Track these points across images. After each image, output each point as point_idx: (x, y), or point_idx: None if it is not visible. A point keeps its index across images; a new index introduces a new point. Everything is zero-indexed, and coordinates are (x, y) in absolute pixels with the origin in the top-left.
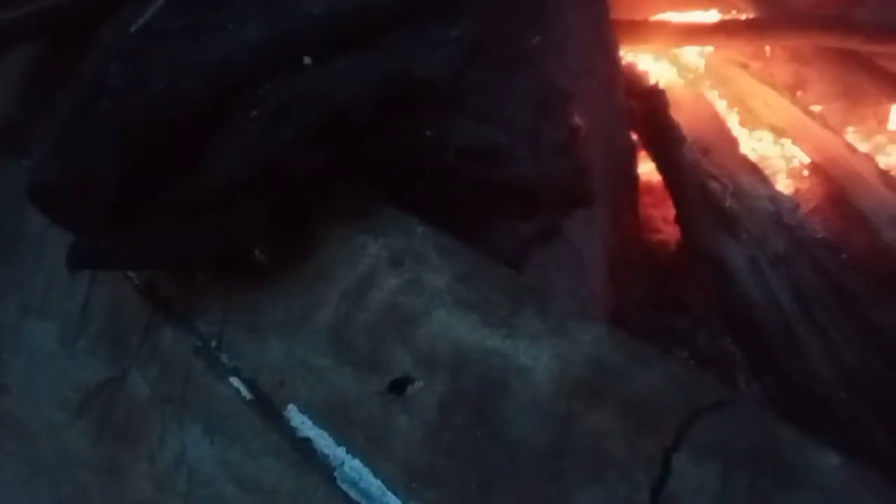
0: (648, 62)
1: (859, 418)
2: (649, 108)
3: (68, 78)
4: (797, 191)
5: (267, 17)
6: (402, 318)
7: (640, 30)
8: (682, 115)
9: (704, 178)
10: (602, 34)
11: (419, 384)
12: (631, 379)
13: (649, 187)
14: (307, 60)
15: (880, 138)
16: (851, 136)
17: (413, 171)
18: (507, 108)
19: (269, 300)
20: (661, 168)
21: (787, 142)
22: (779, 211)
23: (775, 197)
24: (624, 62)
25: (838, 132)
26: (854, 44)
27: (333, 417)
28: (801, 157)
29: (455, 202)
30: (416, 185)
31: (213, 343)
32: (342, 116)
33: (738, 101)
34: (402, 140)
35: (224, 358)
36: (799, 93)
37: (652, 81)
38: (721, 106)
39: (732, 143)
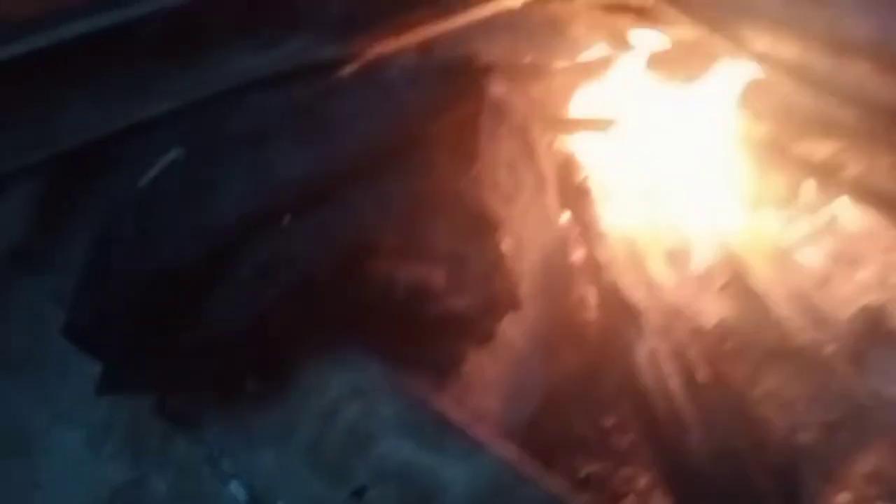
0: (583, 150)
1: (740, 497)
2: (576, 206)
3: (77, 203)
4: (706, 271)
5: (252, 179)
6: (362, 440)
7: (568, 126)
8: (609, 204)
9: (619, 271)
10: (529, 149)
11: (374, 493)
12: (517, 496)
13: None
14: (286, 219)
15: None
16: (763, 210)
17: (367, 310)
18: (445, 244)
19: (260, 419)
20: (584, 260)
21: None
22: (682, 302)
23: (681, 287)
24: (560, 154)
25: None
26: None
27: None
28: (711, 239)
29: (403, 329)
30: (372, 320)
31: (217, 452)
32: (312, 277)
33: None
34: (357, 287)
35: (226, 465)
36: None
37: (581, 175)
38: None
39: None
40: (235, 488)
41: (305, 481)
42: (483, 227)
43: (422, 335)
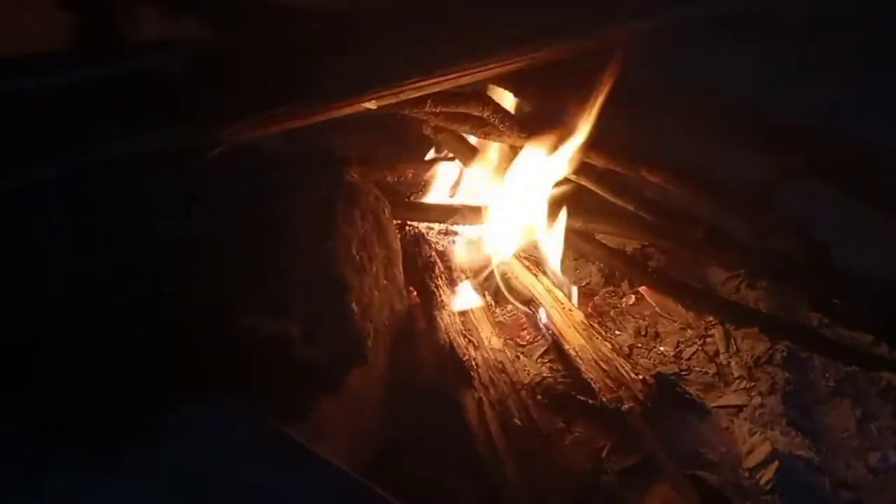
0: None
1: None
2: (421, 281)
3: None
4: (529, 338)
5: (129, 240)
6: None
7: (420, 210)
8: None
9: (455, 335)
10: (381, 229)
11: None
12: None
13: None
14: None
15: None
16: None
17: (229, 358)
18: (302, 304)
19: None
20: (426, 325)
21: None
22: (505, 362)
23: (505, 351)
24: (409, 234)
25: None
26: None
27: None
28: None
29: (262, 375)
30: (234, 367)
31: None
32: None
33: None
34: (221, 338)
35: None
36: None
37: (426, 253)
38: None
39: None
40: None
41: None
42: (336, 291)
43: (278, 381)
